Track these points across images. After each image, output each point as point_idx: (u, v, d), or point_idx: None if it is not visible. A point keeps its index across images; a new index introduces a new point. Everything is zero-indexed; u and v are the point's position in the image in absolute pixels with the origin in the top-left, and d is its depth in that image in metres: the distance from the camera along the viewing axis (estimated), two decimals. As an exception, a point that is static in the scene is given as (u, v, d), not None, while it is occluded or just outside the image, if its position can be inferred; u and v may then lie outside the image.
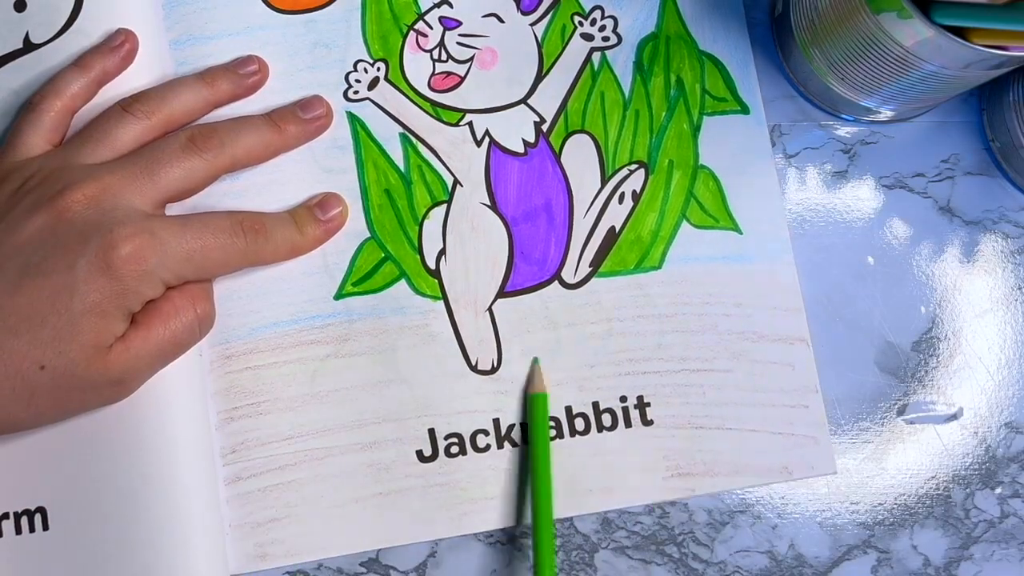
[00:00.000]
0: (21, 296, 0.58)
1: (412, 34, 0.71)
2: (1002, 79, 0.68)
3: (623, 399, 0.68)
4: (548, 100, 0.70)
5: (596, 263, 0.69)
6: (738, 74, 0.71)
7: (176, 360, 0.64)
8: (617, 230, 0.69)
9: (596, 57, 0.71)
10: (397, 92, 0.71)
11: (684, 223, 0.69)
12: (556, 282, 0.69)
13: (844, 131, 0.71)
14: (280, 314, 0.68)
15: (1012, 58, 0.56)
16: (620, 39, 0.71)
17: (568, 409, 0.68)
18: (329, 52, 0.71)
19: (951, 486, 0.68)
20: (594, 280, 0.69)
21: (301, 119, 0.69)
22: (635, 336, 0.68)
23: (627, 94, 0.70)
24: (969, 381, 0.69)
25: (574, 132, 0.70)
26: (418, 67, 0.71)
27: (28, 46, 0.69)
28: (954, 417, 0.69)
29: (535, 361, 0.68)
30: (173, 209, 0.67)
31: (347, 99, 0.71)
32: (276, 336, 0.68)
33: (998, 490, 0.68)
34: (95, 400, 0.62)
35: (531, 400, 0.67)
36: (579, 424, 0.67)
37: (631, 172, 0.69)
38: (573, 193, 0.69)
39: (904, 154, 0.71)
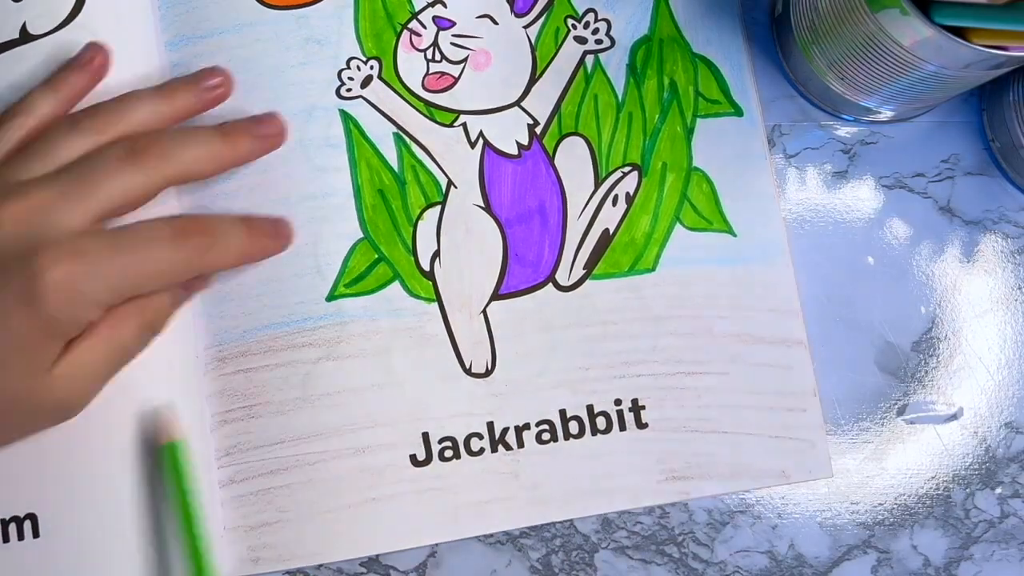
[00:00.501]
0: None
1: (406, 33, 0.71)
2: (1002, 79, 0.68)
3: (618, 402, 0.68)
4: (542, 102, 0.70)
5: (590, 265, 0.69)
6: (732, 76, 0.71)
7: (169, 362, 0.64)
8: (611, 232, 0.69)
9: (589, 60, 0.71)
10: (391, 91, 0.70)
11: (678, 225, 0.69)
12: (550, 284, 0.68)
13: (844, 131, 0.71)
14: (272, 316, 0.68)
15: (1012, 58, 0.56)
16: (613, 42, 0.71)
17: (562, 412, 0.67)
18: (321, 48, 0.71)
19: (951, 486, 0.68)
20: (588, 282, 0.68)
21: (254, 134, 0.66)
22: (629, 339, 0.68)
23: (620, 97, 0.70)
24: (969, 381, 0.69)
25: (568, 134, 0.70)
26: (412, 66, 0.71)
27: (25, 36, 0.68)
28: (954, 417, 0.68)
29: (156, 412, 0.65)
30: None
31: (340, 96, 0.70)
32: (268, 338, 0.68)
33: (998, 490, 0.68)
34: (45, 422, 0.61)
35: (161, 452, 0.65)
36: (573, 427, 0.67)
37: (624, 174, 0.69)
38: (567, 195, 0.69)
39: (904, 154, 0.71)
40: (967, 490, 0.68)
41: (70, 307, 0.56)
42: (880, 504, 0.68)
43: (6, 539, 0.65)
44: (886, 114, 0.69)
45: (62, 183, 0.59)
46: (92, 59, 0.66)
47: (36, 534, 0.65)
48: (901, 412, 0.68)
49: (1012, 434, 0.68)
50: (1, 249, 0.56)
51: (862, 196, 0.70)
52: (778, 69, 0.72)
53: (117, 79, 0.68)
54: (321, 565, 0.67)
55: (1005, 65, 0.58)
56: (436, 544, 0.67)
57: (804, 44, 0.67)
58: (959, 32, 0.55)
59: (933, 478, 0.68)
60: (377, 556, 0.67)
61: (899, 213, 0.70)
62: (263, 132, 0.67)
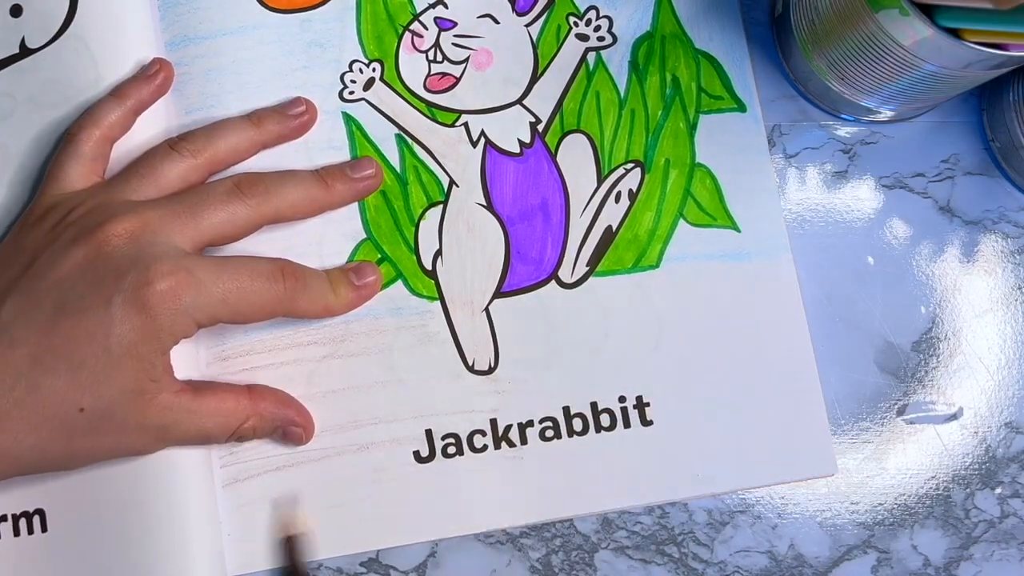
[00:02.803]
0: (57, 335, 0.58)
1: (407, 34, 0.71)
2: (1002, 79, 0.68)
3: (622, 399, 0.68)
4: (544, 100, 0.70)
5: (593, 263, 0.69)
6: (734, 72, 0.71)
7: (174, 361, 0.64)
8: (614, 229, 0.69)
9: (591, 57, 0.71)
10: (393, 93, 0.71)
11: (681, 222, 0.69)
12: (553, 282, 0.69)
13: (844, 131, 0.71)
14: None
15: (1012, 58, 0.56)
16: (615, 39, 0.71)
17: (566, 409, 0.68)
18: (324, 52, 0.71)
19: (951, 486, 0.68)
20: (591, 280, 0.69)
21: (350, 178, 0.68)
22: (633, 336, 0.68)
23: (623, 93, 0.70)
24: (969, 381, 0.69)
25: (570, 132, 0.70)
26: (414, 68, 0.71)
27: (24, 51, 0.69)
28: (954, 417, 0.68)
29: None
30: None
31: (342, 99, 0.70)
32: (272, 337, 0.68)
33: (998, 490, 0.68)
34: (126, 446, 0.62)
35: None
36: (577, 424, 0.67)
37: (627, 171, 0.69)
38: (569, 193, 0.69)
39: (904, 154, 0.71)
40: (967, 490, 0.68)
41: (172, 319, 0.59)
42: (880, 504, 0.68)
43: (16, 533, 0.66)
44: (886, 114, 0.69)
45: (173, 207, 0.63)
46: (158, 72, 0.69)
47: (44, 528, 0.65)
48: (901, 412, 0.68)
49: (1012, 434, 0.68)
50: (112, 261, 0.59)
51: (862, 196, 0.70)
52: (778, 69, 0.72)
53: (119, 75, 0.69)
54: (321, 564, 0.67)
55: (1005, 65, 0.58)
56: (436, 543, 0.67)
57: (804, 44, 0.67)
58: (959, 32, 0.55)
59: (933, 478, 0.68)
60: (377, 556, 0.67)
61: (899, 213, 0.70)
62: (358, 175, 0.69)
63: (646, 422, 0.67)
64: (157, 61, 0.69)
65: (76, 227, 0.61)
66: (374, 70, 0.71)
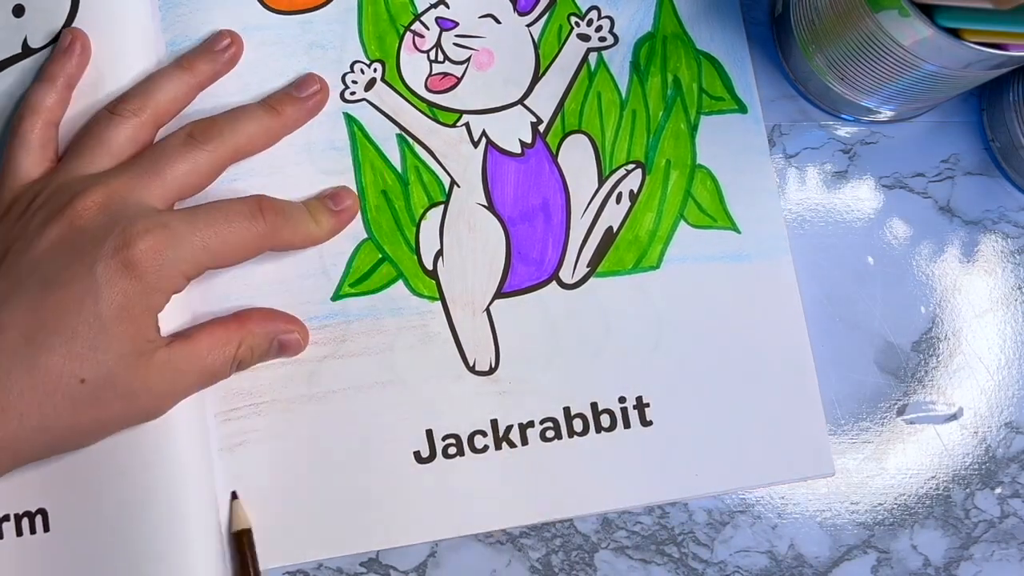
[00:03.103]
0: (46, 311, 0.58)
1: (409, 35, 0.71)
2: (1002, 79, 0.68)
3: (622, 400, 0.68)
4: (545, 100, 0.70)
5: (594, 263, 0.69)
6: (735, 73, 0.71)
7: None
8: (615, 230, 0.69)
9: (593, 57, 0.71)
10: (394, 93, 0.71)
11: (682, 223, 0.69)
12: (554, 282, 0.69)
13: (844, 131, 0.71)
14: None
15: (1012, 58, 0.56)
16: (617, 39, 0.71)
17: (566, 410, 0.68)
18: (325, 53, 0.71)
19: (951, 486, 0.68)
20: (592, 280, 0.69)
21: (296, 98, 0.69)
22: (633, 336, 0.68)
23: (624, 94, 0.70)
24: (969, 381, 0.69)
25: (571, 132, 0.70)
26: (415, 68, 0.71)
27: (27, 51, 0.69)
28: (954, 417, 0.69)
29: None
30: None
31: (344, 100, 0.70)
32: None
33: (998, 490, 0.68)
34: (135, 410, 0.62)
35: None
36: (577, 425, 0.67)
37: (628, 172, 0.69)
38: (570, 193, 0.69)
39: (904, 154, 0.71)
40: (967, 490, 0.68)
41: (157, 275, 0.59)
42: (880, 504, 0.68)
43: (18, 533, 0.65)
44: (886, 114, 0.69)
45: (135, 170, 0.63)
46: (72, 43, 0.68)
47: (47, 528, 0.65)
48: (901, 412, 0.68)
49: (1012, 434, 0.68)
50: (89, 231, 0.60)
51: (862, 196, 0.70)
52: (778, 69, 0.72)
53: (120, 75, 0.69)
54: (321, 564, 0.67)
55: (1005, 65, 0.58)
56: (436, 543, 0.67)
57: (804, 44, 0.67)
58: (959, 32, 0.55)
59: (933, 478, 0.68)
60: (377, 556, 0.67)
61: (899, 213, 0.70)
62: (304, 94, 0.69)
63: (646, 422, 0.67)
64: (69, 32, 0.68)
65: (44, 210, 0.61)
66: (375, 70, 0.71)
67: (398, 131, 0.70)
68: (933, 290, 0.69)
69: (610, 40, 0.71)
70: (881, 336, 0.69)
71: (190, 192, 0.65)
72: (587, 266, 0.69)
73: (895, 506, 0.68)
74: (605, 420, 0.68)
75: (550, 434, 0.67)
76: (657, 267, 0.69)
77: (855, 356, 0.69)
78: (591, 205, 0.69)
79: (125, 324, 0.59)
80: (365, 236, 0.69)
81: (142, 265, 0.59)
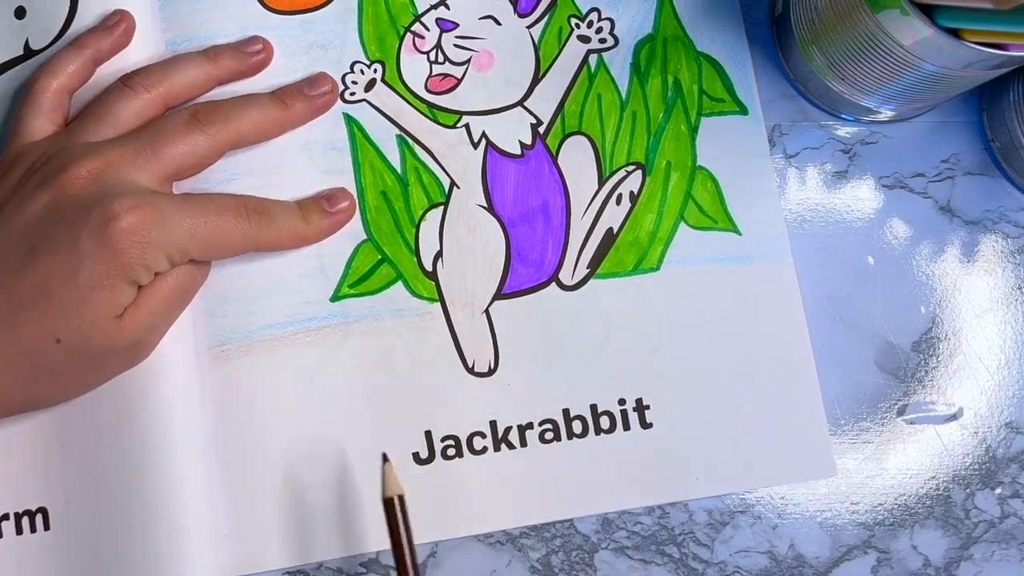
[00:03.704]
0: (30, 274, 0.59)
1: (409, 36, 0.71)
2: (1002, 79, 0.68)
3: (622, 402, 0.68)
4: (545, 102, 0.70)
5: (594, 265, 0.69)
6: (736, 75, 0.71)
7: (173, 361, 0.65)
8: (615, 231, 0.69)
9: (593, 59, 0.71)
10: (394, 94, 0.70)
11: (682, 224, 0.69)
12: (554, 284, 0.68)
13: (844, 131, 0.71)
14: (276, 316, 0.68)
15: (1012, 58, 0.56)
16: (617, 41, 0.71)
17: (566, 412, 0.67)
18: (325, 53, 0.71)
19: (951, 486, 0.68)
20: (592, 282, 0.68)
21: (307, 95, 0.69)
22: (633, 338, 0.68)
23: (624, 95, 0.70)
24: (969, 381, 0.69)
25: (571, 134, 0.70)
26: (415, 69, 0.71)
27: (28, 52, 0.70)
28: (954, 417, 0.69)
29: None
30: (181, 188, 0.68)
31: (344, 100, 0.70)
32: (272, 339, 0.68)
33: (998, 490, 0.68)
34: (115, 366, 0.63)
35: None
36: (577, 427, 0.67)
37: (628, 173, 0.69)
38: (570, 195, 0.69)
39: (904, 154, 0.71)
40: (967, 490, 0.68)
41: (140, 253, 0.60)
42: (880, 504, 0.68)
43: (19, 531, 0.66)
44: (886, 114, 0.69)
45: (133, 144, 0.63)
46: (118, 23, 0.68)
47: (47, 527, 0.66)
48: (901, 412, 0.68)
49: (1012, 434, 0.68)
50: (79, 201, 0.60)
51: (862, 196, 0.70)
52: (778, 69, 0.72)
53: (118, 71, 0.69)
54: (322, 564, 0.67)
55: (1005, 65, 0.58)
56: (436, 543, 0.67)
57: (804, 44, 0.67)
58: (959, 32, 0.55)
59: (933, 478, 0.68)
60: (377, 556, 0.67)
61: (899, 213, 0.70)
62: (315, 92, 0.70)
63: (646, 425, 0.67)
64: (118, 12, 0.69)
65: (40, 174, 0.62)
66: (375, 71, 0.71)
67: (398, 132, 0.70)
68: (933, 290, 0.69)
69: (610, 42, 0.71)
70: (881, 336, 0.69)
71: (187, 173, 0.66)
72: (587, 267, 0.69)
73: (895, 506, 0.68)
74: (605, 422, 0.67)
75: (549, 436, 0.67)
76: (657, 269, 0.69)
77: (855, 356, 0.69)
78: (591, 206, 0.69)
79: (102, 292, 0.59)
80: (364, 237, 0.69)
81: (124, 240, 0.59)
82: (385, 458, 0.63)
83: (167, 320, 0.64)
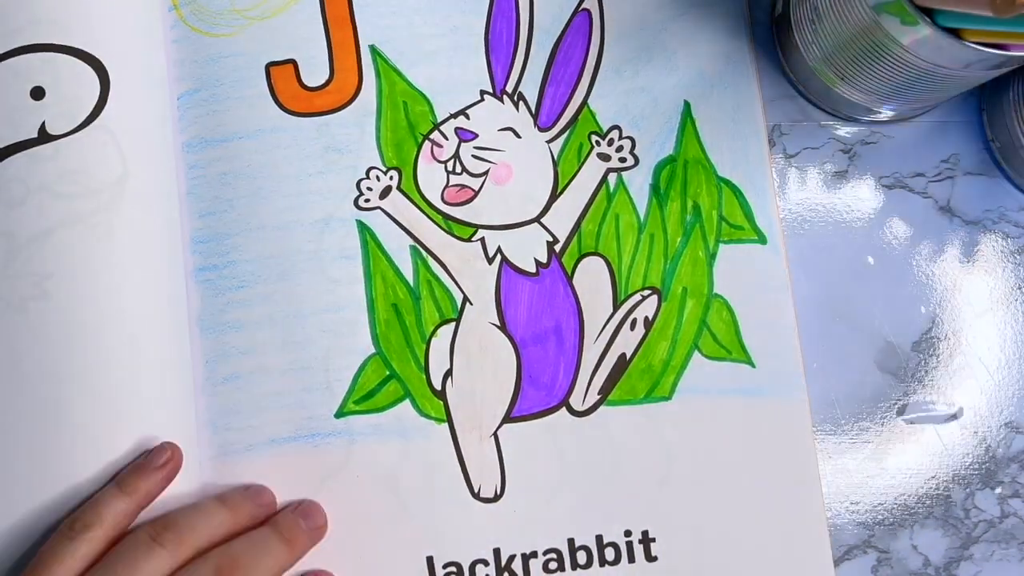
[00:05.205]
0: None
1: (427, 144, 0.70)
2: (1002, 79, 0.68)
3: (627, 533, 0.67)
4: (562, 219, 0.69)
5: (605, 391, 0.68)
6: (756, 202, 0.69)
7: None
8: (628, 357, 0.68)
9: (612, 178, 0.69)
10: (409, 203, 0.69)
11: (696, 353, 0.68)
12: (564, 409, 0.67)
13: (844, 131, 0.70)
14: (279, 430, 0.67)
15: (1012, 58, 0.55)
16: (637, 160, 0.69)
17: (571, 541, 0.67)
18: (341, 157, 0.69)
19: (951, 486, 0.68)
20: (602, 408, 0.67)
21: (306, 529, 0.65)
22: (642, 469, 0.67)
23: (642, 217, 0.69)
24: (969, 381, 0.69)
25: (587, 254, 0.69)
26: (432, 178, 0.69)
27: (44, 136, 0.65)
28: (954, 417, 0.69)
29: None
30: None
31: (358, 207, 0.69)
32: (274, 455, 0.67)
33: (998, 490, 0.68)
34: None
35: None
36: (581, 557, 0.67)
37: (644, 298, 0.68)
38: (584, 317, 0.68)
39: (904, 154, 0.70)
40: (967, 490, 0.68)
41: None
42: (880, 504, 0.68)
43: None
44: (886, 114, 0.69)
45: None
46: (167, 462, 0.64)
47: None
48: (901, 412, 0.69)
49: (1012, 434, 0.69)
50: None
51: (862, 196, 0.70)
52: (778, 69, 0.71)
53: (143, 173, 0.67)
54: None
55: (1005, 65, 0.57)
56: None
57: (804, 44, 0.66)
58: (959, 32, 0.55)
59: (933, 478, 0.69)
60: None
61: (899, 213, 0.70)
62: (312, 525, 0.66)
63: (651, 558, 0.67)
64: (168, 448, 0.64)
65: None
66: (391, 178, 0.69)
67: (412, 242, 0.69)
68: (933, 290, 0.69)
69: (630, 161, 0.69)
70: (881, 336, 0.69)
71: None
72: (598, 393, 0.68)
73: (895, 506, 0.68)
74: (610, 554, 0.67)
75: (553, 566, 0.67)
76: (669, 398, 0.68)
77: (855, 356, 0.69)
78: (605, 330, 0.68)
79: None
80: (373, 351, 0.68)
81: None
82: None
83: None
